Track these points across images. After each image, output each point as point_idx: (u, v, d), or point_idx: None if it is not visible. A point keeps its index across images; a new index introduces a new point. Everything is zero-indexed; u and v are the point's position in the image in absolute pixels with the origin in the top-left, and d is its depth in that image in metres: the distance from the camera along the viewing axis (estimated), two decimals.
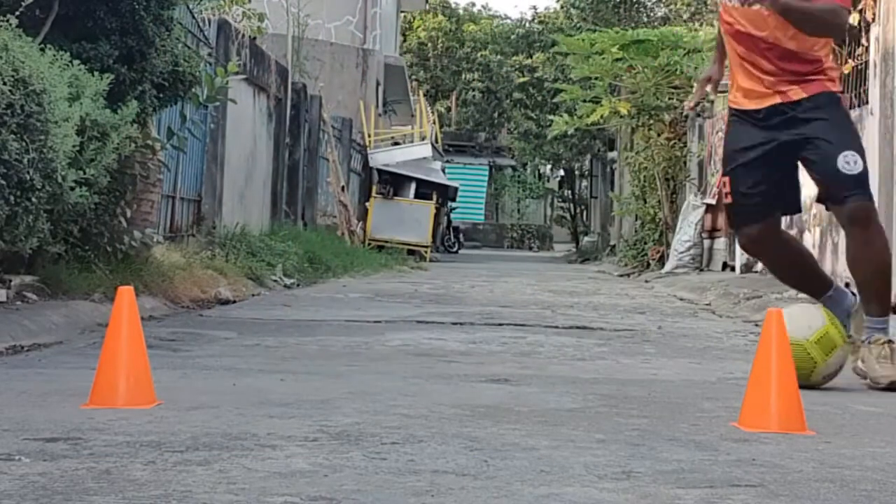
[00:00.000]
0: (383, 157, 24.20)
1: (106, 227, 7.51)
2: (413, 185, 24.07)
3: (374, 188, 23.75)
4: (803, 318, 4.45)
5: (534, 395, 4.08)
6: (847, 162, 4.59)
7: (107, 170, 6.60)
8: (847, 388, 4.50)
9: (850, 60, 10.44)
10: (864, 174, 4.68)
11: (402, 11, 35.39)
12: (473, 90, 42.62)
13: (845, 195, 4.60)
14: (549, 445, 3.02)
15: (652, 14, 23.72)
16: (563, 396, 4.04)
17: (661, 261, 17.73)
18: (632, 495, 2.45)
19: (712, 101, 16.44)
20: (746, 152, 4.70)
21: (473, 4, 49.45)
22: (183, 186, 11.43)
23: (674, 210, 18.19)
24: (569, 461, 2.80)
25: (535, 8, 50.13)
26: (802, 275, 4.92)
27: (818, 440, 3.21)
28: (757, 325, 7.54)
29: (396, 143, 25.38)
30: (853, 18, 9.91)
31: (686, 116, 18.44)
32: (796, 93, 4.63)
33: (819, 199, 4.83)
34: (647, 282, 15.48)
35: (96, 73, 6.54)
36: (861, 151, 4.69)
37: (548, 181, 44.05)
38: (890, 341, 4.60)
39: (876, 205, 10.10)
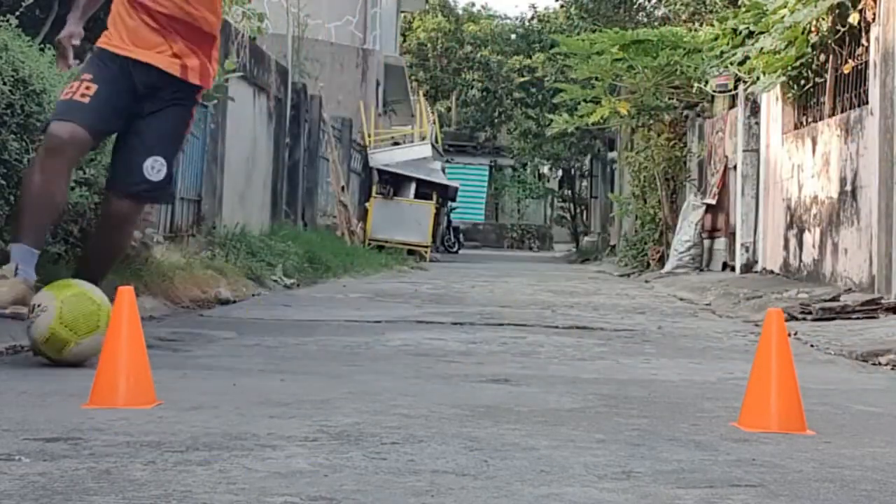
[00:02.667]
0: (383, 157, 24.19)
1: None
2: (413, 185, 24.07)
3: (374, 188, 23.74)
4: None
5: (534, 395, 4.08)
6: (153, 167, 4.80)
7: (106, 170, 6.59)
8: (847, 388, 4.50)
9: (850, 60, 10.44)
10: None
11: (402, 11, 35.38)
12: (473, 90, 42.62)
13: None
14: (549, 445, 3.02)
15: (652, 14, 23.72)
16: (563, 396, 4.04)
17: (661, 261, 17.72)
18: (632, 495, 2.45)
19: (712, 101, 16.46)
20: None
21: (473, 4, 49.40)
22: (183, 186, 11.42)
23: (674, 210, 18.19)
24: (569, 461, 2.80)
25: (534, 7, 50.04)
26: (45, 213, 4.78)
27: (818, 440, 3.21)
28: (757, 325, 7.54)
29: (396, 143, 25.38)
30: (853, 18, 9.92)
31: (686, 116, 18.45)
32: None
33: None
34: (647, 282, 15.48)
35: None
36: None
37: (548, 181, 44.04)
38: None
39: (876, 205, 10.15)
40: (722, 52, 14.03)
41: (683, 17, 19.81)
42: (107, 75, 4.78)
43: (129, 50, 4.86)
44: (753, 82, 12.69)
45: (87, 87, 4.70)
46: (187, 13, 4.88)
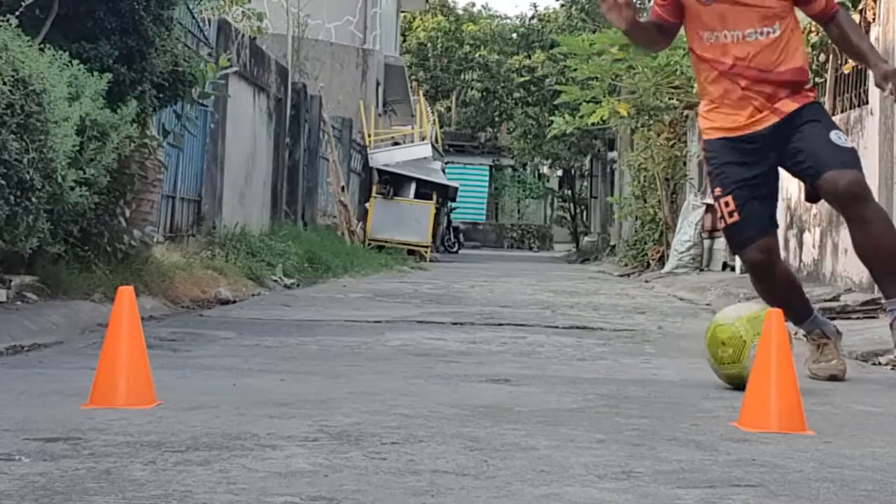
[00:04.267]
0: (383, 157, 24.20)
1: (106, 227, 7.51)
2: (413, 185, 24.07)
3: (374, 188, 23.75)
4: (738, 310, 4.46)
5: (534, 395, 4.08)
6: (839, 136, 4.57)
7: (106, 169, 6.61)
8: (847, 388, 4.50)
9: (849, 62, 10.44)
10: (856, 153, 4.64)
11: (402, 11, 35.41)
12: (473, 90, 42.62)
13: (842, 161, 4.51)
14: (549, 445, 3.02)
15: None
16: (563, 396, 4.03)
17: (661, 261, 17.73)
18: (632, 495, 2.45)
19: None
20: (742, 169, 4.68)
21: (473, 4, 49.48)
22: (183, 186, 11.43)
23: (674, 210, 18.19)
24: (569, 461, 2.80)
25: (535, 6, 49.98)
26: (795, 293, 4.87)
27: (818, 440, 3.21)
28: None
29: (396, 143, 25.38)
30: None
31: (686, 116, 18.44)
32: (788, 106, 4.64)
33: (807, 197, 4.80)
34: (647, 282, 15.48)
35: (96, 73, 6.54)
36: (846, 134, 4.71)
37: (548, 181, 44.05)
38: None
39: None
40: None
41: None
42: None
43: None
44: None
45: None
46: None
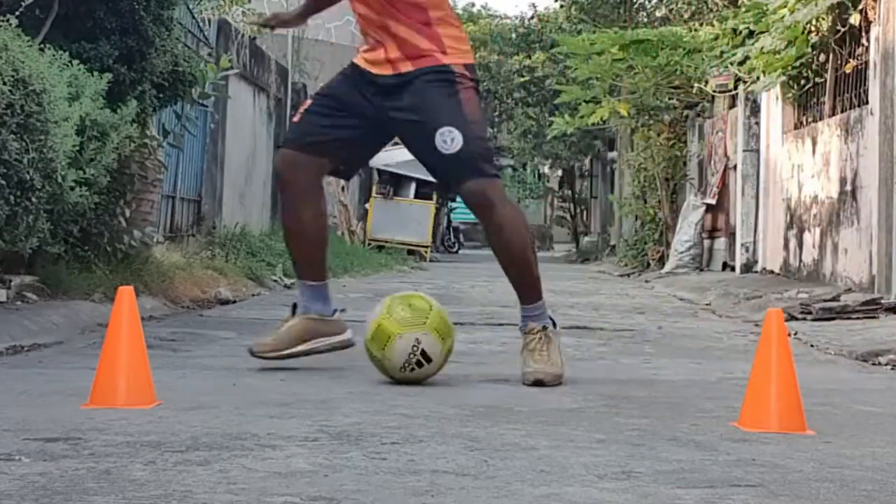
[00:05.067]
0: (383, 157, 24.13)
1: (106, 227, 7.51)
2: (413, 185, 24.06)
3: (374, 188, 23.74)
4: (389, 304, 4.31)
5: (534, 395, 4.08)
6: (444, 140, 4.29)
7: (106, 169, 6.61)
8: (847, 389, 4.50)
9: (851, 60, 10.44)
10: (467, 151, 4.27)
11: None
12: None
13: (459, 178, 4.34)
14: (549, 445, 3.02)
15: (652, 14, 23.71)
16: (563, 396, 4.03)
17: (661, 261, 17.72)
18: (632, 495, 2.45)
19: (712, 101, 16.45)
20: (342, 99, 4.46)
21: (473, 4, 49.39)
22: (183, 186, 11.43)
23: (674, 210, 18.18)
24: (569, 461, 2.80)
25: (534, 6, 50.01)
26: (313, 243, 4.62)
27: (818, 440, 3.21)
28: (757, 325, 7.54)
29: (396, 143, 25.35)
30: (853, 18, 9.92)
31: (686, 116, 18.44)
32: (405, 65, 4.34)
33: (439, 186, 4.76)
34: (647, 282, 15.47)
35: (96, 73, 6.54)
36: (464, 125, 4.27)
37: (548, 181, 44.03)
38: (545, 328, 4.40)
39: (876, 205, 10.06)
40: (722, 52, 14.02)
41: (685, 17, 19.80)
42: None
43: None
44: (753, 82, 12.69)
45: None
46: None
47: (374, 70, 4.42)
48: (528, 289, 4.52)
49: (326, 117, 4.51)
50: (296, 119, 4.56)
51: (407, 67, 4.36)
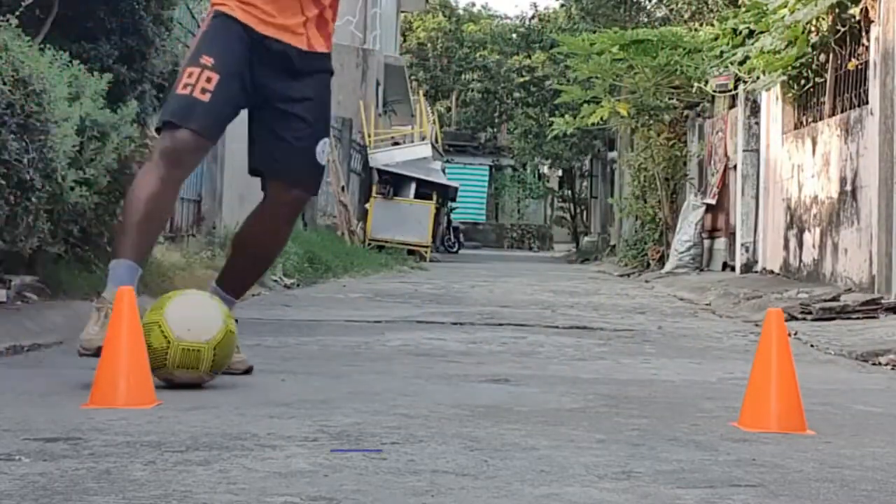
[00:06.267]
0: (383, 157, 24.20)
1: (106, 227, 7.50)
2: (413, 185, 24.08)
3: (375, 188, 23.75)
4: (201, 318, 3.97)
5: (534, 395, 4.08)
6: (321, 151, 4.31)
7: (106, 170, 6.61)
8: (847, 389, 4.50)
9: (853, 59, 10.44)
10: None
11: (402, 11, 35.39)
12: (473, 90, 42.62)
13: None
14: (549, 445, 3.02)
15: (652, 14, 23.72)
16: (563, 396, 4.03)
17: (661, 261, 17.73)
18: (632, 495, 2.45)
19: (712, 101, 16.45)
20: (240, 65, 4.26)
21: (473, 4, 49.49)
22: (183, 186, 11.43)
23: (674, 210, 18.19)
24: (569, 461, 2.80)
25: (535, 5, 50.00)
26: (159, 224, 4.36)
27: (818, 440, 3.21)
28: (757, 325, 7.54)
29: (396, 143, 25.38)
30: (854, 10, 9.92)
31: (686, 116, 18.44)
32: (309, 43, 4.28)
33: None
34: (647, 282, 15.48)
35: (96, 73, 6.54)
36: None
37: (548, 181, 44.05)
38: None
39: (876, 205, 10.09)
40: (722, 52, 14.03)
41: (685, 17, 19.81)
42: None
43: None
44: (754, 82, 12.70)
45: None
46: None
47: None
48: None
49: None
50: (205, 98, 4.20)
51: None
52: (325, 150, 4.36)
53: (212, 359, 3.91)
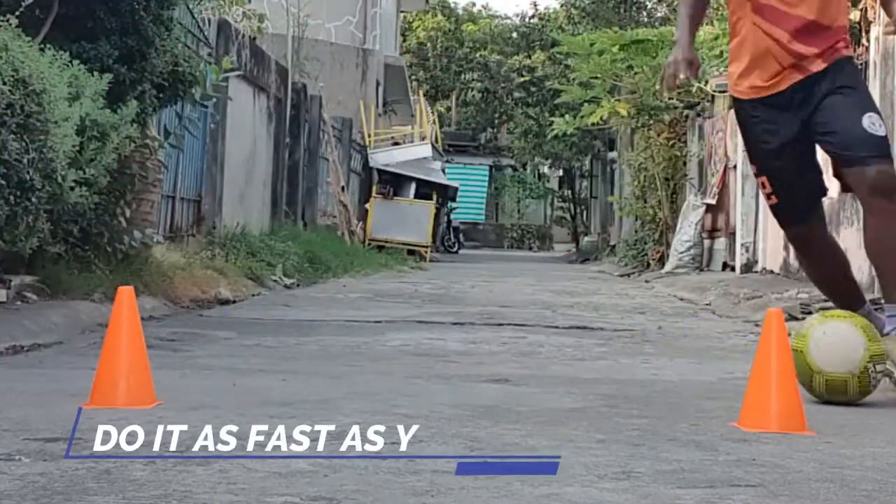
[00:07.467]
0: (383, 157, 24.18)
1: (106, 227, 7.51)
2: (413, 185, 24.06)
3: (374, 188, 23.74)
4: (841, 349, 3.98)
5: (534, 395, 4.08)
6: (872, 122, 4.27)
7: (107, 170, 6.60)
8: None
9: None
10: (887, 140, 4.35)
11: (401, 11, 35.38)
12: (473, 90, 42.62)
13: (869, 156, 4.26)
14: (549, 445, 3.02)
15: (652, 14, 23.74)
16: (563, 396, 4.03)
17: (661, 261, 17.72)
18: (632, 495, 2.45)
19: (712, 101, 16.44)
20: (776, 143, 4.42)
21: (473, 4, 49.44)
22: (183, 186, 11.42)
23: (674, 210, 18.18)
24: (569, 461, 2.80)
25: (535, 5, 50.03)
26: (844, 279, 4.60)
27: (818, 440, 3.21)
28: (757, 325, 7.54)
29: (396, 143, 25.37)
30: (853, 15, 9.91)
31: (686, 116, 18.44)
32: (817, 65, 4.32)
33: (835, 173, 4.53)
34: (647, 282, 15.48)
35: (96, 73, 6.54)
36: (881, 117, 4.41)
37: (548, 181, 44.03)
38: None
39: None
40: (722, 52, 14.02)
41: None
42: None
43: None
44: None
45: None
46: None
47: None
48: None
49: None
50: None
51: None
52: (875, 122, 4.30)
53: (857, 386, 3.97)
